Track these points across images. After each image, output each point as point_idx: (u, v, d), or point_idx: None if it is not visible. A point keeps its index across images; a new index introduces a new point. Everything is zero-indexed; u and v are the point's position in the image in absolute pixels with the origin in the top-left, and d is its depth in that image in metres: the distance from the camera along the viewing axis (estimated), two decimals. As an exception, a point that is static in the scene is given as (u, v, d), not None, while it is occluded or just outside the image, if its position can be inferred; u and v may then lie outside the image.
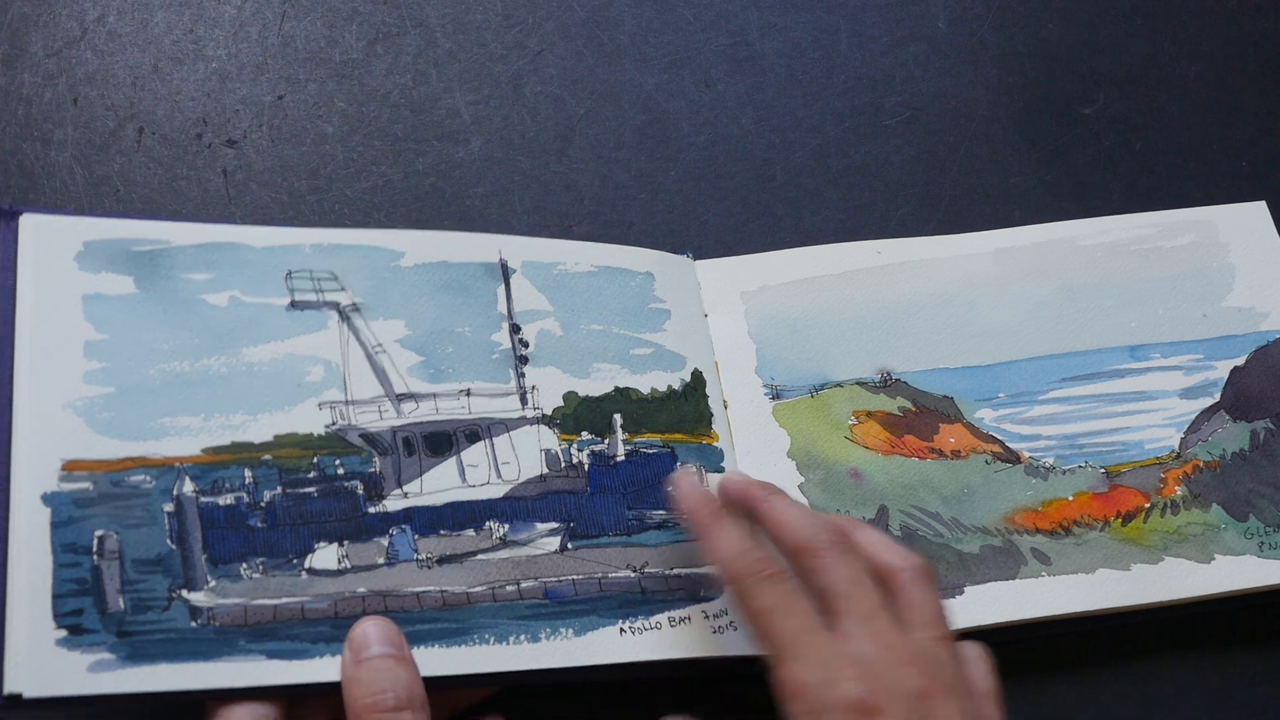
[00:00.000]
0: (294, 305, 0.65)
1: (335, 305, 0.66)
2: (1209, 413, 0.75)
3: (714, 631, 0.66)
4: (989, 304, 0.77)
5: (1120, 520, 0.72)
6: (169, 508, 0.59)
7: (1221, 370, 0.76)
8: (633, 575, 0.66)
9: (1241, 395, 0.76)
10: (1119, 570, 0.70)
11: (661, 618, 0.65)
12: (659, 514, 0.68)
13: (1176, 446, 0.74)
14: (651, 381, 0.71)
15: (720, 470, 0.70)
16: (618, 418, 0.69)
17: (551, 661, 0.62)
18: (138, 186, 0.78)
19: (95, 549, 0.57)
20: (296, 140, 0.80)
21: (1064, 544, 0.71)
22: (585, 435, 0.69)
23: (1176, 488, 0.73)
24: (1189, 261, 0.79)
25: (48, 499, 0.57)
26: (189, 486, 0.60)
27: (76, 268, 0.62)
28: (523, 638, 0.62)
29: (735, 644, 0.65)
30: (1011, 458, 0.74)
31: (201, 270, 0.64)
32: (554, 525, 0.66)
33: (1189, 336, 0.77)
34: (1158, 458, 0.74)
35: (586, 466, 0.68)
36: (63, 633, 0.55)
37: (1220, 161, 0.85)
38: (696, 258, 0.77)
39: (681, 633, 0.65)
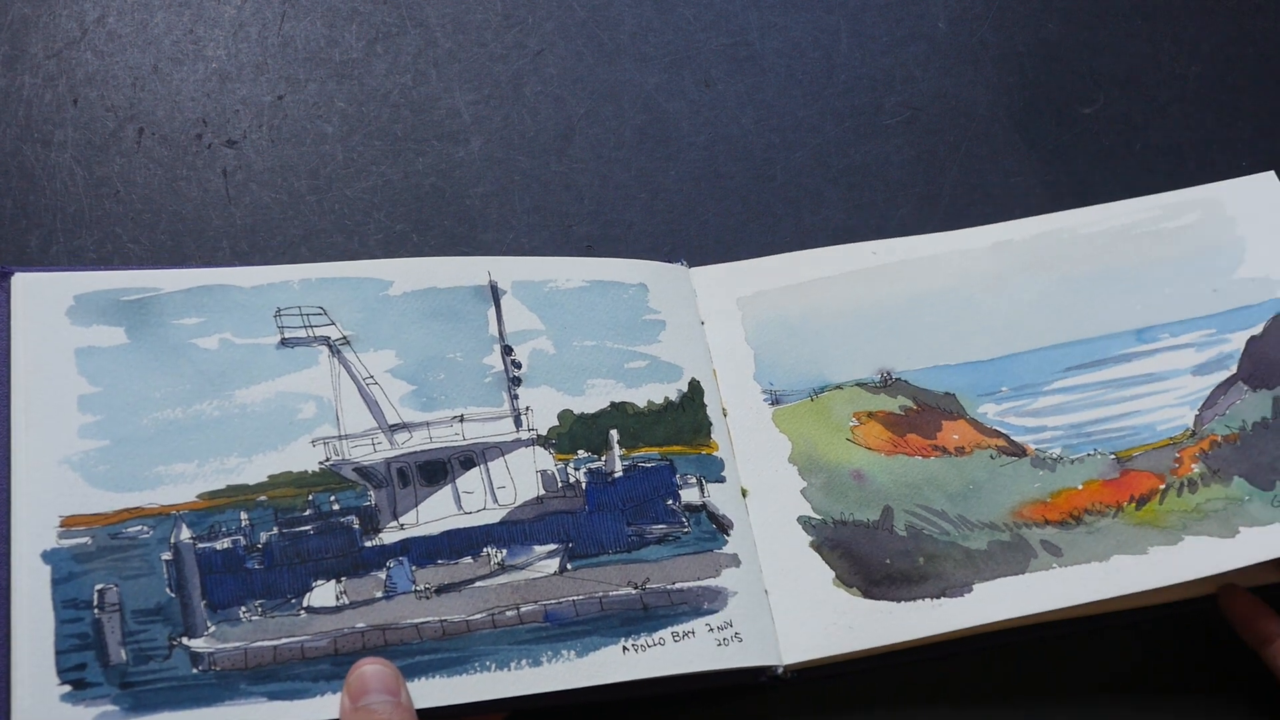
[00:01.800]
0: (284, 343, 0.66)
1: (325, 340, 0.66)
2: (1225, 385, 0.74)
3: (719, 644, 0.65)
4: (988, 299, 0.76)
5: (1134, 504, 0.70)
6: (167, 556, 0.60)
7: (1236, 342, 0.74)
8: (634, 592, 0.66)
9: (1260, 363, 0.74)
10: (1135, 555, 0.69)
11: (665, 633, 0.65)
12: (659, 528, 0.68)
13: (1191, 424, 0.73)
14: (648, 394, 0.71)
15: (721, 480, 0.70)
16: (614, 433, 0.69)
17: (554, 684, 0.63)
18: (138, 187, 0.78)
19: (96, 603, 0.59)
20: (296, 140, 0.80)
21: (1075, 534, 0.69)
22: (582, 453, 0.69)
23: (1193, 465, 0.71)
24: (1195, 240, 0.78)
25: (47, 556, 0.59)
26: (185, 534, 0.61)
27: (68, 322, 0.63)
28: (524, 662, 0.63)
29: (740, 655, 0.65)
30: (1017, 451, 0.73)
31: (191, 315, 0.65)
32: (552, 547, 0.66)
33: (1199, 313, 0.75)
34: (1171, 438, 0.72)
35: (584, 485, 0.68)
36: (67, 688, 0.57)
37: (1220, 161, 0.84)
38: (695, 260, 0.76)
39: (685, 647, 0.65)
